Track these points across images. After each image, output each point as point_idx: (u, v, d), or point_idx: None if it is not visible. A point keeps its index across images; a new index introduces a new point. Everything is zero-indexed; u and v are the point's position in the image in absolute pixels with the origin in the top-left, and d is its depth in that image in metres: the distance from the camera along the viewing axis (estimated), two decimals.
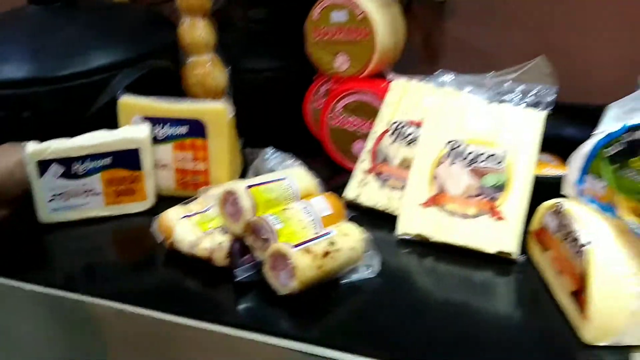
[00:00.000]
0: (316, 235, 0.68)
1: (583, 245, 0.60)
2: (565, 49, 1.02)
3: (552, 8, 1.03)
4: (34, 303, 0.74)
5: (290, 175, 0.75)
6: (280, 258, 0.65)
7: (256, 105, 1.01)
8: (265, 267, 0.67)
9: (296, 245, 0.66)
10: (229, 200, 0.71)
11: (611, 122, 0.62)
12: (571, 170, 0.66)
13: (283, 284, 0.66)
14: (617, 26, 1.01)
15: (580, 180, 0.65)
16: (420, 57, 1.12)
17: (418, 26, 1.10)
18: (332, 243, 0.68)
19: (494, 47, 1.07)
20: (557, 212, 0.67)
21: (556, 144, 0.83)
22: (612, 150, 0.60)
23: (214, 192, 0.79)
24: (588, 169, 0.64)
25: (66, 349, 0.76)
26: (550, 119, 0.78)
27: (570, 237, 0.63)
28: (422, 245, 0.76)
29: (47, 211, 0.82)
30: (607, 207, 0.62)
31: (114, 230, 0.84)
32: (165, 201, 0.85)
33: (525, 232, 0.74)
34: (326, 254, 0.66)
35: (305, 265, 0.64)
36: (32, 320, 0.76)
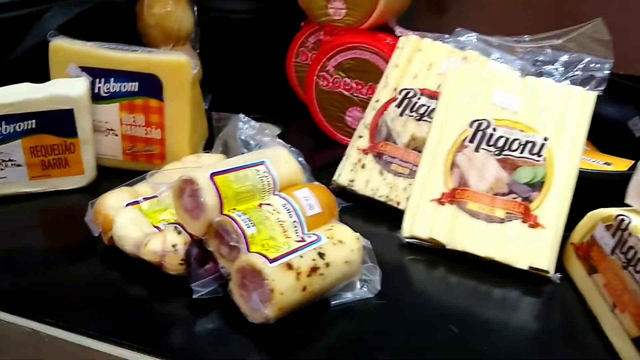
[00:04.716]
0: (301, 244, 0.52)
1: None
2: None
3: None
4: None
5: (268, 158, 0.58)
6: (253, 275, 0.50)
7: (228, 56, 0.88)
8: (232, 284, 0.52)
9: (274, 259, 0.49)
10: (187, 191, 0.54)
11: None
12: None
13: (255, 308, 0.50)
14: None
15: None
16: (435, 8, 0.94)
17: None
18: (321, 255, 0.52)
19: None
20: (618, 228, 0.51)
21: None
22: None
23: (169, 172, 0.62)
24: None
25: None
26: None
27: (637, 264, 0.48)
28: (432, 253, 0.62)
29: None
30: None
31: (40, 210, 0.69)
32: (109, 175, 0.72)
33: (563, 243, 0.59)
34: (313, 270, 0.51)
35: (285, 287, 0.49)
36: None
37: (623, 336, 0.49)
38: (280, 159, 0.59)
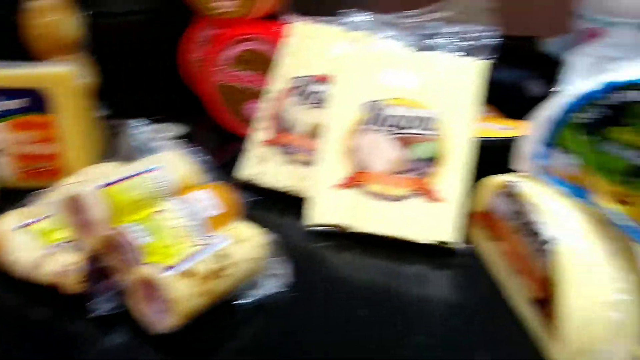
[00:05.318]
0: (202, 248, 0.50)
1: (546, 242, 0.46)
2: None
3: None
4: None
5: (162, 163, 0.56)
6: (149, 287, 0.48)
7: (120, 60, 0.83)
8: (129, 298, 0.50)
9: (172, 266, 0.48)
10: (76, 207, 0.52)
11: (580, 76, 0.47)
12: (528, 140, 0.51)
13: (156, 319, 0.49)
14: None
15: (543, 155, 0.50)
16: None
17: None
18: (223, 256, 0.50)
19: None
20: (509, 194, 0.52)
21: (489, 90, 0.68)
22: (586, 116, 0.45)
23: (65, 187, 0.60)
24: (553, 139, 0.49)
25: None
26: None
27: (528, 229, 0.49)
28: (340, 238, 0.61)
29: None
30: (577, 190, 0.48)
31: None
32: (6, 197, 0.66)
33: (467, 214, 0.59)
34: (216, 272, 0.50)
35: (184, 295, 0.48)
36: None
37: (524, 298, 0.50)
38: (175, 162, 0.57)
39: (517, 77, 0.79)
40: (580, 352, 0.46)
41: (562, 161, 0.48)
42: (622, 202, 0.44)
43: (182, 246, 0.51)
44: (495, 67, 0.85)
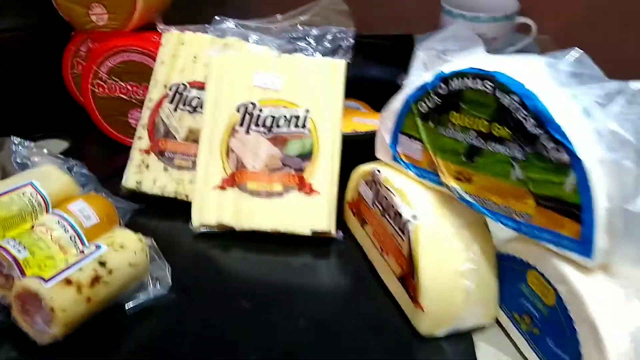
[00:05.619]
0: (80, 257, 0.52)
1: (407, 222, 0.50)
2: None
3: None
4: None
5: (36, 178, 0.57)
6: (31, 298, 0.49)
7: (5, 78, 0.80)
8: (14, 312, 0.50)
9: (50, 278, 0.49)
10: None
11: (421, 68, 0.51)
12: (382, 130, 0.55)
13: (41, 330, 0.49)
14: None
15: (394, 142, 0.54)
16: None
17: None
18: (102, 263, 0.52)
19: None
20: (373, 181, 0.56)
21: (360, 87, 0.73)
22: (426, 104, 0.50)
23: None
24: (401, 128, 0.53)
25: None
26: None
27: (390, 211, 0.53)
28: (225, 237, 0.63)
29: None
30: (427, 173, 0.52)
31: None
32: None
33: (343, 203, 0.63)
34: (96, 280, 0.51)
35: (66, 303, 0.49)
36: None
37: (392, 276, 0.55)
38: (49, 176, 0.58)
39: (391, 73, 0.83)
40: (439, 320, 0.50)
41: (410, 147, 0.53)
42: (464, 179, 0.49)
43: (61, 257, 0.52)
44: (370, 65, 0.90)
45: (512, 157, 0.44)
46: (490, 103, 0.44)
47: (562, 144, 0.41)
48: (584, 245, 0.42)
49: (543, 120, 0.41)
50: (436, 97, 0.49)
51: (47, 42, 0.83)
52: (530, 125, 0.42)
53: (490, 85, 0.44)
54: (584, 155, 0.40)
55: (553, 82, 0.43)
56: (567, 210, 0.42)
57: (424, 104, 0.50)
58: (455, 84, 0.47)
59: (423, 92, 0.50)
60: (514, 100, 0.42)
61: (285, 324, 0.54)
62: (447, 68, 0.48)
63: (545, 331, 0.47)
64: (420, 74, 0.51)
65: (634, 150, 0.40)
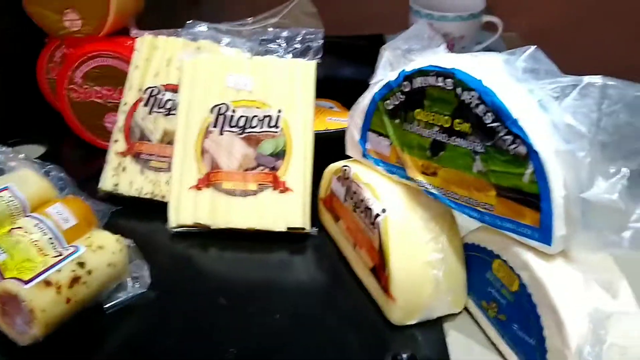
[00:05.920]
0: (58, 259, 0.53)
1: (377, 216, 0.52)
2: None
3: None
4: None
5: (13, 182, 0.58)
6: (11, 300, 0.50)
7: None
8: None
9: (30, 280, 0.50)
10: None
11: (387, 67, 0.53)
12: (351, 127, 0.57)
13: (21, 331, 0.51)
14: None
15: (363, 140, 0.56)
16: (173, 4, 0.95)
17: None
18: (81, 264, 0.53)
19: None
20: (345, 177, 0.58)
21: (334, 87, 0.75)
22: (392, 102, 0.52)
23: None
24: (369, 125, 0.55)
25: None
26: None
27: (361, 206, 0.55)
28: (202, 237, 0.65)
29: None
30: (395, 168, 0.54)
31: None
32: None
33: (317, 200, 0.65)
34: (75, 280, 0.52)
35: (46, 304, 0.50)
36: None
37: (364, 269, 0.56)
38: (27, 181, 0.59)
39: (363, 73, 0.85)
40: (410, 310, 0.52)
41: (378, 144, 0.55)
42: (429, 173, 0.51)
43: (40, 259, 0.53)
44: (343, 65, 0.92)
45: (473, 150, 0.46)
46: (452, 99, 0.46)
47: (520, 137, 0.43)
48: (543, 233, 0.44)
49: (501, 114, 0.43)
50: (401, 95, 0.50)
51: (22, 48, 0.84)
52: (489, 119, 0.44)
53: (450, 82, 0.46)
54: (540, 147, 0.42)
55: (510, 78, 0.45)
56: (527, 200, 0.44)
57: (390, 102, 0.52)
58: (418, 81, 0.49)
59: (388, 90, 0.51)
60: (473, 97, 0.44)
61: (263, 319, 0.55)
62: (410, 66, 0.49)
63: (511, 317, 0.49)
64: (385, 73, 0.53)
65: (588, 141, 0.42)
